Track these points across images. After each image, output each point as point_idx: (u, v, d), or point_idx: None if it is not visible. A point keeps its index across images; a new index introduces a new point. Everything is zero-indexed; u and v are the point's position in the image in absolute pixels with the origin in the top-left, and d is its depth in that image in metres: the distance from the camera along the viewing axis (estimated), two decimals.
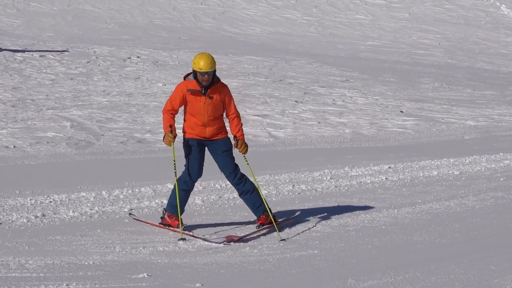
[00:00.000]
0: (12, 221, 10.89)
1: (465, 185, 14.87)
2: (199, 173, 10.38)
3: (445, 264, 9.74)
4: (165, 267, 9.22)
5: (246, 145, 10.55)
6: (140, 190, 13.24)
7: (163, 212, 10.61)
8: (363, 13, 70.79)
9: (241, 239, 10.08)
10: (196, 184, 10.97)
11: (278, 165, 15.48)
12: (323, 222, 11.76)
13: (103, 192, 12.72)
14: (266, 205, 10.70)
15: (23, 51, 33.56)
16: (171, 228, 10.34)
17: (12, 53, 32.30)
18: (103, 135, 18.13)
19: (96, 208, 11.85)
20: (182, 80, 10.39)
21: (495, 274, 9.38)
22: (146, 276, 8.70)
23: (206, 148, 10.62)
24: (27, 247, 9.67)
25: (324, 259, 9.88)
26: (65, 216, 11.35)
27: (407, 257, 10.30)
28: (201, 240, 10.14)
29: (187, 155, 10.35)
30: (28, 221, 10.97)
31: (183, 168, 10.92)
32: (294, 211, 11.59)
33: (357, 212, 12.51)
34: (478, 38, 59.96)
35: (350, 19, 66.36)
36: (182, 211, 10.37)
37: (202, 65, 9.96)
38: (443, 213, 12.53)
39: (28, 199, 11.97)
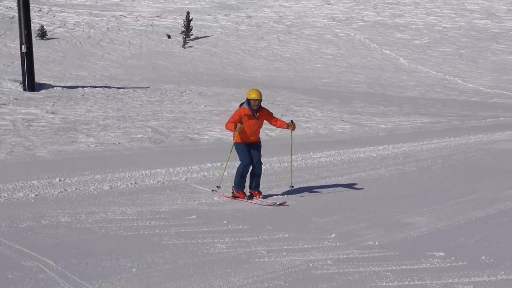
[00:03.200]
0: (117, 186, 11.17)
1: (379, 162, 15.26)
2: (250, 159, 10.58)
3: (367, 207, 10.18)
4: (206, 212, 9.52)
5: (295, 126, 11.03)
6: (192, 167, 13.48)
7: (232, 189, 10.75)
8: (320, 62, 70.97)
9: (282, 204, 10.18)
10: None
11: (272, 152, 15.57)
12: (298, 184, 11.87)
13: (170, 169, 13.07)
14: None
15: (124, 88, 34.15)
16: (239, 199, 10.51)
17: (117, 89, 32.84)
18: (169, 136, 18.51)
19: (166, 178, 12.21)
20: (238, 107, 10.76)
21: (399, 213, 9.91)
22: (195, 217, 9.04)
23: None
24: (126, 201, 9.96)
25: (299, 206, 10.19)
26: (148, 183, 11.67)
27: (346, 206, 10.55)
28: (255, 203, 10.27)
29: (241, 151, 10.64)
30: (126, 186, 11.27)
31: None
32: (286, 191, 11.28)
33: (317, 178, 12.85)
34: (387, 77, 60.10)
35: (312, 67, 66.85)
36: (243, 187, 10.67)
37: (255, 95, 10.45)
38: (367, 179, 12.98)
39: (126, 174, 12.33)
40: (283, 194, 11.08)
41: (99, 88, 33.74)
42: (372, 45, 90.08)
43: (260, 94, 10.56)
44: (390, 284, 6.15)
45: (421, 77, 64.69)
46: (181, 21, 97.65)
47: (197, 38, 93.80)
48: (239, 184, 10.63)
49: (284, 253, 7.19)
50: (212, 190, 10.99)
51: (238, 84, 44.35)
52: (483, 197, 11.05)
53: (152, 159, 14.46)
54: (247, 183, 10.76)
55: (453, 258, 7.04)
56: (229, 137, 19.72)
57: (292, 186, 11.26)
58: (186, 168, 13.22)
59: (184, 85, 40.28)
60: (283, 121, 11.08)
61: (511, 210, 9.93)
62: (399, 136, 21.81)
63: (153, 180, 11.84)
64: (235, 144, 10.75)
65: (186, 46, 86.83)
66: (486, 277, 6.38)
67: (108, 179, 11.67)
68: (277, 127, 11.14)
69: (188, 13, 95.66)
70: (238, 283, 6.10)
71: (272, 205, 10.03)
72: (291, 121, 11.12)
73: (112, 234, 7.85)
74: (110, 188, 10.95)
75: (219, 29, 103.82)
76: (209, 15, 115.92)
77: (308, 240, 7.83)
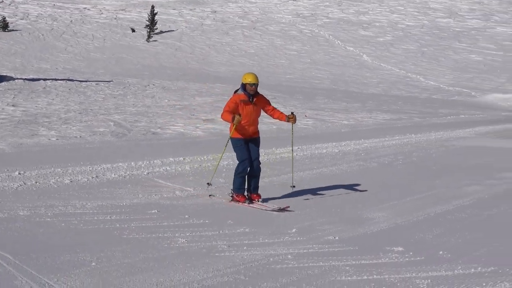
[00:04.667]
0: (78, 180, 11.02)
1: (341, 158, 15.41)
2: (249, 158, 9.78)
3: (327, 203, 10.22)
4: (167, 206, 9.44)
5: (296, 118, 10.21)
6: (154, 162, 13.42)
7: (231, 192, 9.98)
8: (284, 58, 70.92)
9: (285, 209, 9.38)
10: None
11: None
12: (260, 179, 11.67)
13: (132, 163, 13.00)
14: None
15: (86, 81, 33.68)
16: (239, 203, 9.72)
17: (79, 82, 32.39)
18: (132, 130, 18.38)
19: (128, 172, 12.11)
20: (233, 94, 9.94)
21: (360, 208, 10.01)
22: (156, 211, 8.95)
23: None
24: (86, 195, 9.83)
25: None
26: (109, 177, 11.56)
27: (307, 201, 10.58)
28: (257, 208, 9.51)
29: (239, 149, 9.85)
30: (87, 180, 11.12)
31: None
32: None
33: (279, 174, 12.88)
34: (350, 74, 60.40)
35: (276, 62, 66.75)
36: (244, 189, 9.89)
37: (251, 79, 9.72)
38: (329, 174, 13.12)
39: (87, 167, 12.22)
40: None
41: (61, 81, 33.39)
42: (336, 42, 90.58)
43: (256, 78, 9.85)
44: (349, 278, 6.19)
45: (384, 74, 65.33)
46: (145, 15, 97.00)
47: (161, 32, 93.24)
48: (239, 187, 9.86)
49: (245, 248, 7.19)
50: (210, 195, 10.24)
51: (203, 79, 44.22)
52: (442, 193, 11.18)
53: (114, 153, 14.36)
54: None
55: (411, 253, 7.10)
56: (193, 131, 19.70)
57: (294, 186, 10.58)
58: (148, 162, 13.14)
59: (147, 79, 40.11)
60: (282, 113, 10.24)
61: (469, 206, 10.07)
62: (361, 132, 22.03)
63: (114, 174, 11.73)
64: (232, 140, 9.97)
65: (150, 40, 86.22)
66: (444, 271, 6.46)
67: (69, 173, 11.53)
68: (274, 118, 10.31)
69: (153, 7, 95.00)
70: (198, 277, 6.09)
71: (275, 210, 9.29)
72: (292, 113, 10.30)
73: (71, 228, 7.75)
74: (71, 181, 10.81)
75: (184, 23, 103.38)
76: (174, 9, 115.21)
77: (268, 235, 7.83)
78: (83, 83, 33.32)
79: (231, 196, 9.97)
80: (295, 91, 38.76)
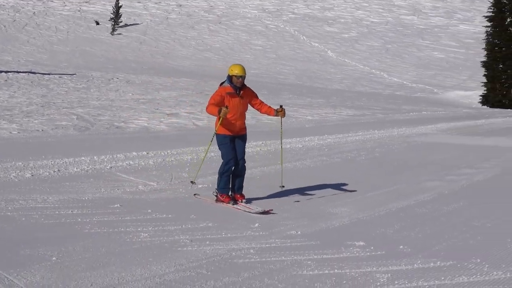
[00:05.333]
0: (39, 174, 10.98)
1: (305, 153, 15.50)
2: (234, 156, 9.29)
3: (290, 198, 10.30)
4: (130, 200, 9.41)
5: (285, 112, 9.76)
6: (117, 156, 13.38)
7: (216, 192, 9.47)
8: (250, 53, 70.91)
9: (269, 212, 8.87)
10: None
11: (199, 141, 15.50)
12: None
13: (95, 157, 12.96)
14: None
15: (49, 74, 33.26)
16: (224, 204, 9.26)
17: (42, 75, 31.94)
18: (95, 123, 18.22)
19: (90, 166, 12.08)
20: (218, 86, 9.48)
21: (322, 203, 10.01)
22: (119, 206, 8.91)
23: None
24: (48, 189, 9.76)
25: None
26: (71, 171, 11.53)
27: (270, 196, 10.50)
28: (241, 209, 9.04)
29: (224, 147, 9.34)
30: (49, 174, 11.08)
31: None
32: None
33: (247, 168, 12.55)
34: (315, 70, 60.65)
35: (242, 57, 66.75)
36: (229, 189, 9.42)
37: (238, 71, 9.20)
38: (293, 169, 13.04)
39: (50, 161, 12.16)
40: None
41: (24, 74, 32.93)
42: (302, 38, 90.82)
43: (243, 70, 9.32)
44: (310, 272, 6.24)
45: (348, 70, 65.74)
46: (110, 8, 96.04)
47: (126, 25, 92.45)
48: (224, 186, 9.40)
49: (207, 242, 7.19)
50: (195, 194, 9.87)
51: (167, 73, 43.99)
52: (404, 189, 11.30)
53: (77, 147, 14.26)
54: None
55: (372, 248, 7.17)
56: (157, 126, 19.61)
57: (283, 186, 10.14)
58: (111, 157, 13.08)
59: (111, 72, 39.77)
60: (270, 107, 9.80)
61: (430, 201, 10.19)
62: (325, 128, 22.14)
63: (76, 168, 11.67)
64: (218, 137, 9.44)
65: (115, 33, 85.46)
66: (403, 266, 6.54)
67: (30, 167, 11.42)
68: (262, 112, 9.83)
69: (117, 0, 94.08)
70: (160, 272, 6.07)
71: (258, 213, 8.85)
72: (281, 106, 9.85)
73: (32, 223, 7.67)
74: (32, 175, 10.71)
75: (149, 17, 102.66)
76: (139, 2, 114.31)
77: (231, 230, 7.84)
78: (46, 76, 32.91)
79: (215, 196, 9.52)
80: (260, 86, 38.74)
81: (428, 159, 15.60)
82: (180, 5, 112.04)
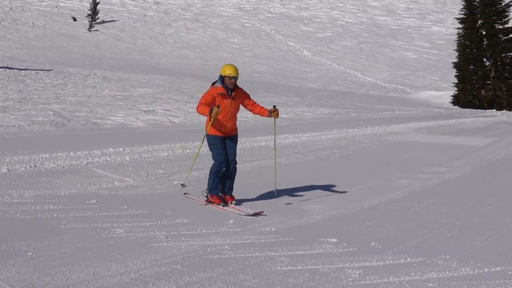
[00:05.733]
0: (15, 169, 10.93)
1: (280, 151, 15.32)
2: (226, 157, 9.00)
3: (264, 194, 10.17)
4: (106, 196, 9.40)
5: (278, 113, 9.40)
6: (94, 152, 13.34)
7: (206, 193, 9.19)
8: (226, 51, 70.72)
9: (259, 214, 8.61)
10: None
11: (174, 137, 15.46)
12: (200, 170, 11.77)
13: (71, 153, 12.91)
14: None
15: (25, 69, 32.95)
16: (213, 205, 8.98)
17: (19, 70, 31.65)
18: (72, 119, 18.07)
19: (67, 162, 12.03)
20: (210, 86, 9.08)
21: (296, 200, 10.03)
22: (95, 201, 8.90)
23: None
24: (24, 185, 9.72)
25: (199, 193, 9.83)
26: (47, 167, 11.48)
27: (244, 192, 10.49)
28: (230, 211, 8.73)
29: (215, 148, 9.04)
30: (25, 169, 11.04)
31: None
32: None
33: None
34: (290, 68, 60.66)
35: (218, 55, 66.49)
36: (219, 190, 9.15)
37: (230, 71, 8.81)
38: (267, 167, 12.87)
39: (26, 156, 12.10)
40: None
41: (0, 69, 32.53)
42: (278, 37, 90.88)
43: (236, 70, 8.94)
44: (284, 268, 6.27)
45: (323, 70, 65.91)
46: (87, 4, 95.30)
47: (103, 22, 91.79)
48: (214, 187, 9.09)
49: (183, 238, 7.19)
50: (185, 194, 9.62)
51: (144, 70, 43.77)
52: (376, 186, 11.37)
53: (53, 143, 14.16)
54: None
55: (345, 244, 7.21)
56: (133, 122, 19.51)
57: (277, 190, 9.80)
58: (87, 153, 13.03)
59: (88, 69, 39.46)
60: (263, 107, 9.42)
61: (401, 199, 10.27)
62: (300, 126, 22.21)
63: (53, 164, 11.61)
64: (208, 137, 9.13)
65: (92, 29, 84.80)
66: (375, 262, 6.59)
67: (6, 162, 11.33)
68: (255, 113, 9.42)
69: None
70: (135, 267, 6.06)
71: (249, 215, 8.55)
72: (274, 106, 9.48)
73: (8, 218, 7.61)
74: (8, 170, 10.64)
75: (126, 14, 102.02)
76: None
77: (206, 226, 7.84)
78: (23, 71, 32.55)
79: (206, 197, 9.25)
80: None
81: (400, 157, 15.71)
82: (158, 3, 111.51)
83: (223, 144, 9.13)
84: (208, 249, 6.82)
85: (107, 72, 37.93)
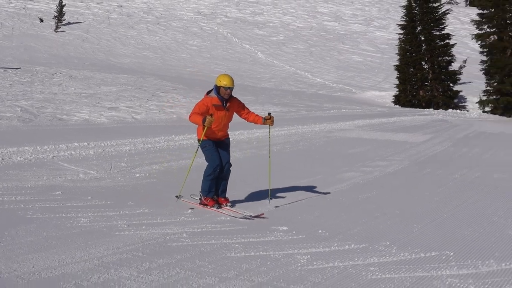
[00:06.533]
0: None
1: (235, 146, 15.29)
2: (220, 160, 8.34)
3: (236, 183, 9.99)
4: (71, 188, 9.28)
5: (273, 120, 8.80)
6: (59, 146, 13.15)
7: (200, 195, 8.52)
8: (186, 52, 70.18)
9: (259, 216, 8.00)
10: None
11: (137, 133, 15.29)
12: (160, 163, 11.75)
13: (38, 147, 12.71)
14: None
15: None
16: (207, 207, 8.31)
17: None
18: (39, 115, 17.75)
19: (33, 156, 11.86)
20: (204, 95, 8.41)
21: (249, 192, 9.90)
22: (60, 193, 8.80)
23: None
24: None
25: (159, 184, 10.11)
26: (15, 160, 11.32)
27: (196, 181, 10.30)
28: (227, 214, 8.02)
29: (209, 151, 8.37)
30: None
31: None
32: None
33: (178, 159, 12.80)
34: (245, 69, 60.61)
35: (178, 56, 65.95)
36: (213, 192, 8.48)
37: (226, 82, 8.15)
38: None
39: None
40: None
41: None
42: (234, 39, 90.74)
43: (232, 81, 8.27)
44: (238, 254, 6.28)
45: (276, 71, 66.05)
46: (54, 6, 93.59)
47: (69, 23, 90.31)
48: (208, 190, 8.41)
49: (143, 227, 7.15)
50: (176, 196, 8.77)
51: (108, 69, 43.24)
52: (323, 179, 11.46)
53: (20, 137, 13.93)
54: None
55: (294, 232, 7.26)
56: (97, 118, 19.27)
57: (271, 198, 9.02)
58: (53, 147, 12.84)
59: (55, 67, 38.76)
60: (257, 115, 8.82)
61: (346, 190, 10.38)
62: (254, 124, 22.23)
63: (20, 157, 11.42)
64: (201, 142, 8.42)
65: (58, 30, 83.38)
66: (322, 248, 6.65)
67: None
68: (249, 121, 8.82)
69: None
70: (98, 254, 6.01)
71: (248, 218, 7.89)
72: (269, 114, 8.85)
73: None
74: None
75: (91, 16, 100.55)
76: (81, 2, 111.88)
77: (166, 215, 7.82)
78: None
79: (199, 199, 8.58)
80: (195, 84, 38.55)
81: (346, 152, 15.85)
82: (121, 6, 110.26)
83: (216, 146, 8.51)
84: (168, 237, 6.79)
85: (72, 71, 37.32)
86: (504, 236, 7.47)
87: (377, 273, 5.84)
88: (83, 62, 50.03)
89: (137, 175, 10.69)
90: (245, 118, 8.81)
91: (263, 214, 8.13)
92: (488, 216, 8.59)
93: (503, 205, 9.46)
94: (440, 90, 48.30)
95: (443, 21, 50.42)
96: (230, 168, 8.64)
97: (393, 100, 48.51)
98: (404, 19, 51.33)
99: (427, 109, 43.76)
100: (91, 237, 6.60)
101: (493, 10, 45.71)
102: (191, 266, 5.84)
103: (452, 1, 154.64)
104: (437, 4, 50.62)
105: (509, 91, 43.16)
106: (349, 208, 8.91)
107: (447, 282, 5.64)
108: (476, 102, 45.54)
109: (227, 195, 8.73)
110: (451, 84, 48.55)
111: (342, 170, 12.59)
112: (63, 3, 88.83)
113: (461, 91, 48.73)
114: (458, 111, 43.55)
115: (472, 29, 52.34)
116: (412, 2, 50.75)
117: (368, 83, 61.40)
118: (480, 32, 46.70)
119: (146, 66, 54.20)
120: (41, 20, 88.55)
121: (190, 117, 8.24)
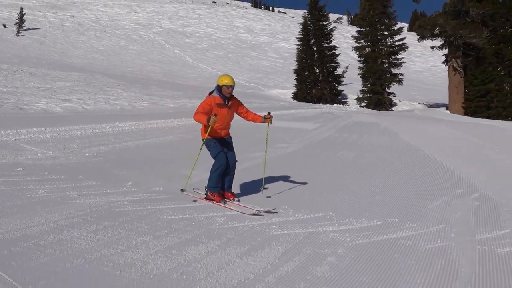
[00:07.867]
0: None
1: (168, 131, 15.13)
2: (226, 157, 7.23)
3: (157, 164, 10.08)
4: (31, 165, 8.92)
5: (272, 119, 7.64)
6: (21, 131, 12.58)
7: (206, 190, 7.29)
8: (127, 55, 68.38)
9: (270, 211, 6.73)
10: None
11: (86, 121, 14.87)
12: (106, 145, 11.39)
13: (2, 131, 12.12)
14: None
15: None
16: (214, 202, 7.07)
17: None
18: (2, 105, 16.87)
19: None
20: (207, 96, 7.25)
21: (178, 168, 9.77)
22: (21, 169, 8.46)
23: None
24: None
25: (106, 162, 9.92)
26: None
27: (142, 161, 10.29)
28: (236, 210, 6.78)
29: (215, 148, 7.24)
30: None
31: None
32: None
33: (121, 142, 12.44)
34: (176, 70, 59.87)
35: (121, 59, 64.09)
36: (219, 188, 7.28)
37: (228, 81, 7.03)
38: (161, 143, 12.89)
39: None
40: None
41: None
42: (167, 46, 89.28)
43: (233, 80, 7.19)
44: (169, 217, 6.25)
45: (201, 72, 65.62)
46: (15, 14, 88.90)
47: (29, 29, 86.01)
48: (215, 185, 7.24)
49: (92, 196, 6.98)
50: (181, 190, 7.60)
51: (62, 68, 41.55)
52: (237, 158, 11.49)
53: None
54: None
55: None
56: (53, 108, 18.52)
57: (265, 188, 8.21)
58: (15, 131, 12.27)
59: (17, 65, 36.88)
60: (256, 114, 7.72)
61: (254, 166, 10.39)
62: (182, 113, 21.92)
63: None
64: (206, 141, 7.27)
65: (19, 35, 79.31)
66: (235, 212, 6.73)
67: None
68: (248, 120, 7.66)
69: (21, 8, 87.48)
70: (53, 219, 5.82)
71: (257, 215, 6.62)
72: (268, 113, 7.71)
73: None
74: None
75: (48, 23, 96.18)
76: (39, 11, 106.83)
77: (110, 187, 7.66)
78: None
79: (206, 194, 7.33)
80: (135, 81, 37.74)
81: (254, 137, 15.84)
82: (73, 16, 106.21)
83: (220, 142, 7.39)
84: (112, 204, 6.66)
85: (32, 68, 35.60)
86: (374, 201, 7.73)
87: (277, 230, 5.94)
88: (41, 61, 47.79)
89: (87, 154, 10.39)
90: (244, 117, 7.66)
91: (274, 209, 6.91)
92: (362, 186, 8.87)
93: (373, 176, 9.83)
94: (328, 89, 49.45)
95: (331, 36, 51.50)
96: (236, 164, 7.54)
97: (292, 96, 49.26)
98: (301, 33, 52.09)
99: (318, 104, 44.78)
100: (48, 205, 6.39)
101: (368, 28, 47.60)
102: (131, 227, 5.77)
103: (338, 21, 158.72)
104: (326, 22, 51.72)
105: (379, 90, 45.85)
106: (259, 181, 8.89)
107: (330, 236, 5.80)
108: (355, 99, 47.35)
109: (233, 190, 7.63)
110: (336, 85, 49.77)
111: (251, 151, 12.57)
112: (23, 12, 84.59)
113: (343, 90, 50.21)
114: (341, 105, 44.90)
115: (352, 42, 53.83)
116: (307, 20, 51.65)
117: (273, 83, 62.08)
118: (358, 45, 48.39)
119: (95, 66, 52.44)
120: (4, 26, 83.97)
121: (194, 116, 7.08)
